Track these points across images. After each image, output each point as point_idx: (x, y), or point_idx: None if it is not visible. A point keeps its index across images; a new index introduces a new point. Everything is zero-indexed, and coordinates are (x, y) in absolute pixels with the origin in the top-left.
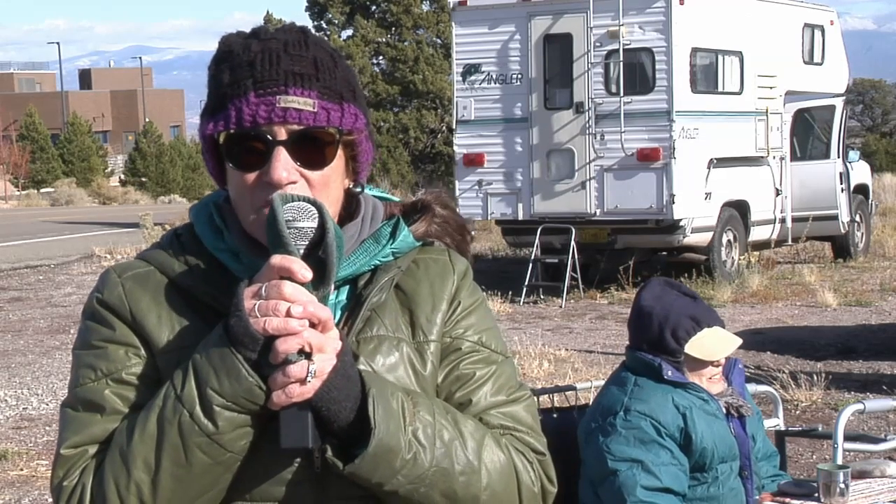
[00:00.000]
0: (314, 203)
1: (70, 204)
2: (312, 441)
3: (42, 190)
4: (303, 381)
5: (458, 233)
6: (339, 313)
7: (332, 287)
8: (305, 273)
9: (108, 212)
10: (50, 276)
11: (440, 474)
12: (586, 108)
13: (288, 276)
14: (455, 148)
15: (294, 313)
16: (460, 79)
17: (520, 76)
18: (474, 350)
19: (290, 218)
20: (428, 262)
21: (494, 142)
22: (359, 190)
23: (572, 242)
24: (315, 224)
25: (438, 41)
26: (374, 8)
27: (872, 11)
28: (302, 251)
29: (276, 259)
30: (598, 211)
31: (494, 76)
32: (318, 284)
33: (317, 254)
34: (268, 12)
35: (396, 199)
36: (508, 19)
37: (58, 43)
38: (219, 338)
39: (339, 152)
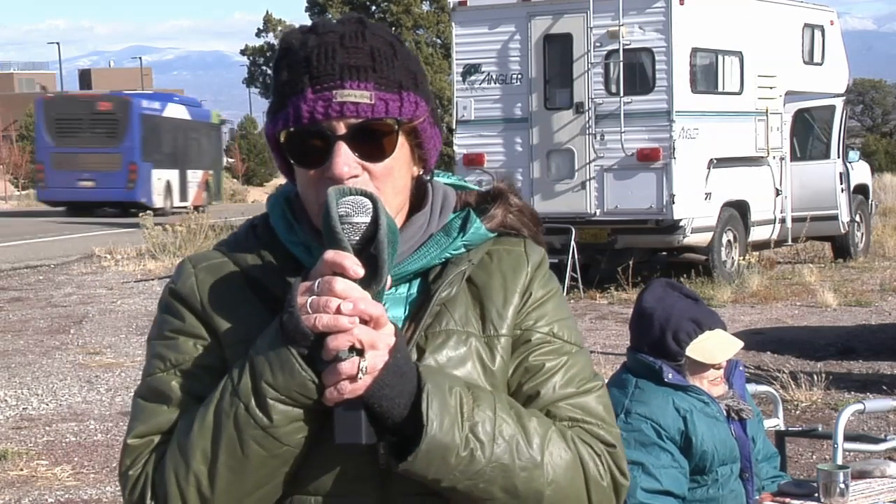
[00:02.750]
0: (370, 197)
1: None
2: (366, 438)
3: None
4: (353, 378)
5: (534, 223)
6: (408, 307)
7: (387, 282)
8: (357, 269)
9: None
10: (50, 276)
11: (499, 470)
12: (586, 108)
13: (340, 272)
14: (455, 148)
15: (344, 310)
16: (460, 79)
17: (520, 76)
18: (545, 341)
19: (345, 213)
20: (501, 253)
21: (494, 142)
22: (428, 178)
23: (572, 242)
24: (370, 219)
25: (438, 41)
26: (374, 8)
27: (872, 11)
28: (355, 246)
29: (329, 255)
30: (598, 211)
31: (494, 76)
32: (371, 280)
33: (370, 249)
34: (268, 12)
35: (473, 186)
36: (508, 19)
37: (58, 43)
38: (274, 333)
39: (402, 141)
